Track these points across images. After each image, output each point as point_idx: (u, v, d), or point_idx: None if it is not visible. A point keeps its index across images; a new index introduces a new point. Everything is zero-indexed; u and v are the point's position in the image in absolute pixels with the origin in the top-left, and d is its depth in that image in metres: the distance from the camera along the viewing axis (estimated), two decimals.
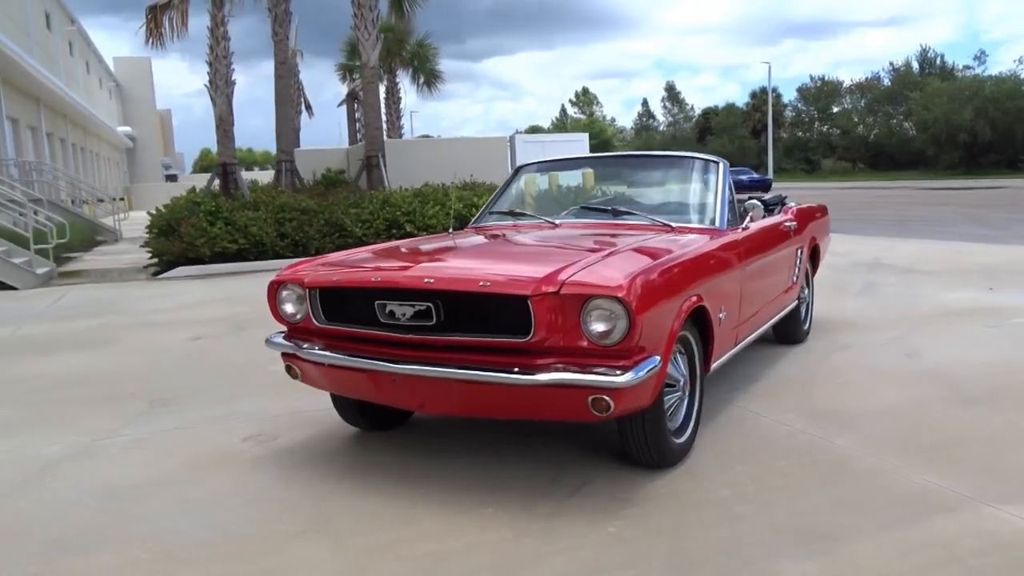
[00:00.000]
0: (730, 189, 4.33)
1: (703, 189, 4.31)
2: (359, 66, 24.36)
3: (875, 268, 9.46)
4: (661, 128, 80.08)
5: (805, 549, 2.65)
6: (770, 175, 50.61)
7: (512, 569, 2.58)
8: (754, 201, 4.31)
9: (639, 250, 3.44)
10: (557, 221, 4.34)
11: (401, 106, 24.80)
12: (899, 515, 2.86)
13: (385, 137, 25.39)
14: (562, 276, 2.92)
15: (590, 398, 2.87)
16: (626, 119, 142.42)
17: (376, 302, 3.15)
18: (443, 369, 3.00)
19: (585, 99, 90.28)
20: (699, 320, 3.51)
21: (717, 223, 4.10)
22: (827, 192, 35.45)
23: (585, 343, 2.90)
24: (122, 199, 41.03)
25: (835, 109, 64.73)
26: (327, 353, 3.33)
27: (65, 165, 31.56)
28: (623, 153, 4.77)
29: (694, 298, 3.38)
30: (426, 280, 3.06)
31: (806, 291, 5.71)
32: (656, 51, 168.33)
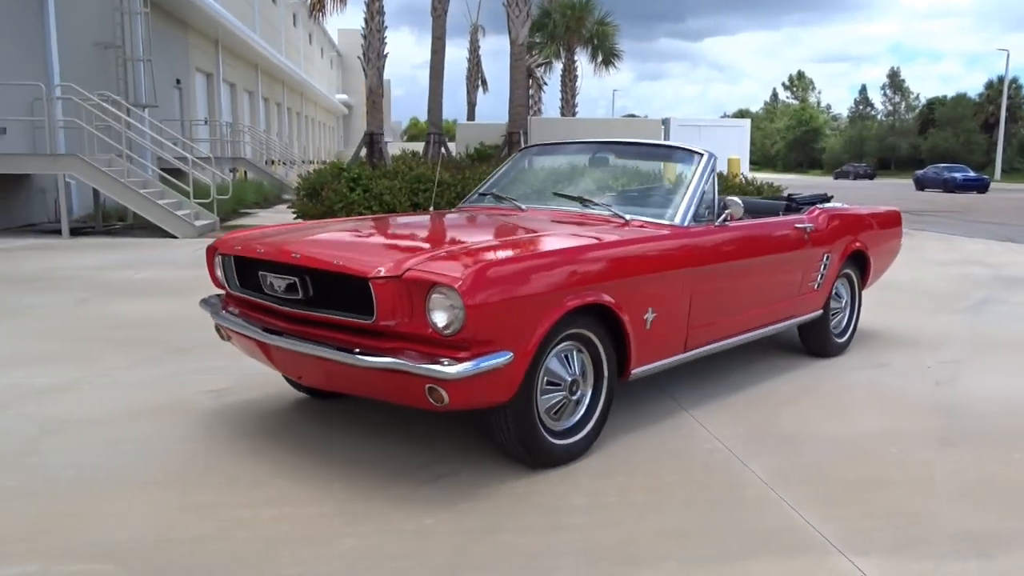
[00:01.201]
0: (711, 184, 4.03)
1: (673, 183, 4.06)
2: (537, 43, 24.58)
3: (1014, 283, 8.42)
4: (879, 117, 74.38)
5: (594, 571, 2.49)
6: (996, 175, 45.86)
7: (293, 543, 2.62)
8: (734, 198, 4.00)
9: (538, 241, 3.34)
10: (524, 207, 4.26)
11: (577, 84, 24.72)
12: (731, 550, 2.61)
13: (559, 115, 25.57)
14: (410, 262, 2.90)
15: (427, 387, 2.83)
16: (846, 107, 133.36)
17: (259, 272, 3.27)
18: (300, 343, 3.07)
19: (800, 84, 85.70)
20: (610, 320, 3.35)
21: (678, 219, 3.85)
22: None
23: (430, 331, 2.87)
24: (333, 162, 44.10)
25: None
26: (231, 318, 3.49)
27: (279, 128, 34.33)
28: (613, 140, 4.54)
29: (605, 296, 3.23)
30: (293, 255, 3.13)
31: (842, 301, 5.21)
32: (893, 35, 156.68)
